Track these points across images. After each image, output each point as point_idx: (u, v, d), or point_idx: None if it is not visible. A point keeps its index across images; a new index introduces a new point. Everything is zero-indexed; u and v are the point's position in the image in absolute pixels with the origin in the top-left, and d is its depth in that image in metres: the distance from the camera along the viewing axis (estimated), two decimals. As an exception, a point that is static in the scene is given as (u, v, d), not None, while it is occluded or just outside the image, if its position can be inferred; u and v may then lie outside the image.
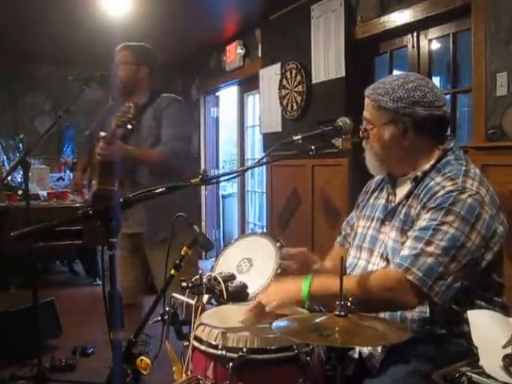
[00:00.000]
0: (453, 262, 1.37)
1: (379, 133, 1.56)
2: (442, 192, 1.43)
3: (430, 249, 1.38)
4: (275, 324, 1.27)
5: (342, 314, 1.21)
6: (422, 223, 1.44)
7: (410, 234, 1.46)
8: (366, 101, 1.60)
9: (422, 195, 1.49)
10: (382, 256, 1.57)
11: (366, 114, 1.60)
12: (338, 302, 1.21)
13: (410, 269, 1.38)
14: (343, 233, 1.88)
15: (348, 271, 1.69)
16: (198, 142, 6.51)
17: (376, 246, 1.61)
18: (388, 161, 1.61)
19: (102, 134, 2.55)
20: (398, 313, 1.50)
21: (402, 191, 1.59)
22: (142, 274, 2.80)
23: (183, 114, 2.75)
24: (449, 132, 1.63)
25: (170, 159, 2.62)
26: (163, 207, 2.62)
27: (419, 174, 1.53)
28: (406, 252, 1.42)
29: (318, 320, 1.24)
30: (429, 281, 1.36)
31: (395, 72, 3.44)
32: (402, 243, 1.49)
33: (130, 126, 2.49)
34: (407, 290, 1.38)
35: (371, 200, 1.74)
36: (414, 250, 1.40)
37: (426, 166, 1.54)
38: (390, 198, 1.64)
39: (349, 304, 1.21)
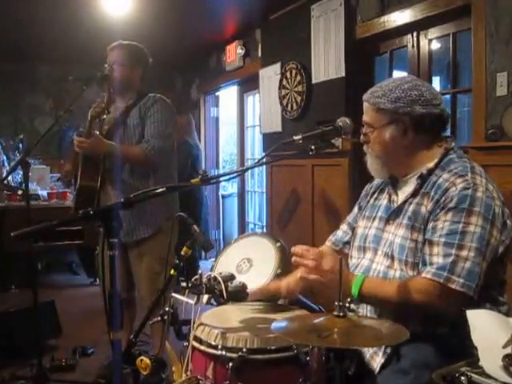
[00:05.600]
0: (484, 260, 1.40)
1: (380, 135, 1.57)
2: (454, 189, 1.44)
3: (464, 253, 1.39)
4: (274, 324, 1.27)
5: (341, 314, 1.21)
6: (444, 226, 1.43)
7: (435, 239, 1.44)
8: (365, 105, 1.61)
9: (432, 193, 1.49)
10: (386, 254, 1.57)
11: (365, 118, 1.61)
12: (336, 303, 1.21)
13: (450, 277, 1.38)
14: (346, 238, 1.84)
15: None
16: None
17: (380, 245, 1.61)
18: (389, 162, 1.62)
19: (81, 129, 2.61)
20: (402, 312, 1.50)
21: (405, 191, 1.60)
22: (126, 270, 2.80)
23: (167, 113, 2.75)
24: (449, 133, 1.64)
25: (151, 156, 2.65)
26: (140, 209, 2.65)
27: (424, 171, 1.54)
28: (440, 260, 1.41)
29: (317, 321, 1.24)
30: (473, 284, 1.37)
31: (395, 72, 3.44)
32: (412, 240, 1.49)
33: (104, 116, 2.55)
34: (451, 299, 1.39)
35: (371, 201, 1.74)
36: (449, 258, 1.40)
37: (430, 164, 1.54)
38: (392, 198, 1.64)
39: (347, 305, 1.21)
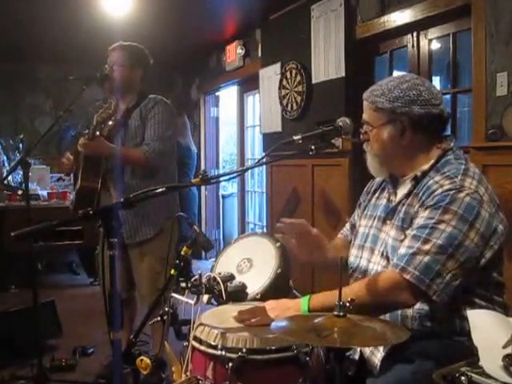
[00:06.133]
0: (450, 260, 1.38)
1: (378, 134, 1.58)
2: (439, 190, 1.44)
3: (427, 247, 1.39)
4: (274, 324, 1.27)
5: (341, 314, 1.21)
6: (419, 221, 1.45)
7: (408, 232, 1.48)
8: (365, 104, 1.61)
9: (421, 194, 1.49)
10: (382, 255, 1.58)
11: (365, 116, 1.62)
12: (336, 302, 1.21)
13: (406, 268, 1.40)
14: (349, 235, 1.87)
15: (350, 271, 1.69)
16: (198, 142, 6.51)
17: (377, 245, 1.62)
18: (388, 161, 1.62)
19: (85, 131, 2.62)
20: (399, 311, 1.51)
21: (402, 191, 1.60)
22: (126, 270, 2.80)
23: (168, 115, 2.76)
24: (449, 132, 1.64)
25: (152, 159, 2.66)
26: (143, 210, 2.65)
27: (419, 173, 1.54)
28: (402, 251, 1.44)
29: (316, 320, 1.24)
30: (426, 279, 1.38)
31: (395, 72, 3.44)
32: (401, 241, 1.50)
33: (110, 122, 2.55)
34: (404, 290, 1.40)
35: (373, 200, 1.75)
36: (411, 249, 1.41)
37: (426, 166, 1.54)
38: (391, 197, 1.65)
39: (347, 305, 1.21)
